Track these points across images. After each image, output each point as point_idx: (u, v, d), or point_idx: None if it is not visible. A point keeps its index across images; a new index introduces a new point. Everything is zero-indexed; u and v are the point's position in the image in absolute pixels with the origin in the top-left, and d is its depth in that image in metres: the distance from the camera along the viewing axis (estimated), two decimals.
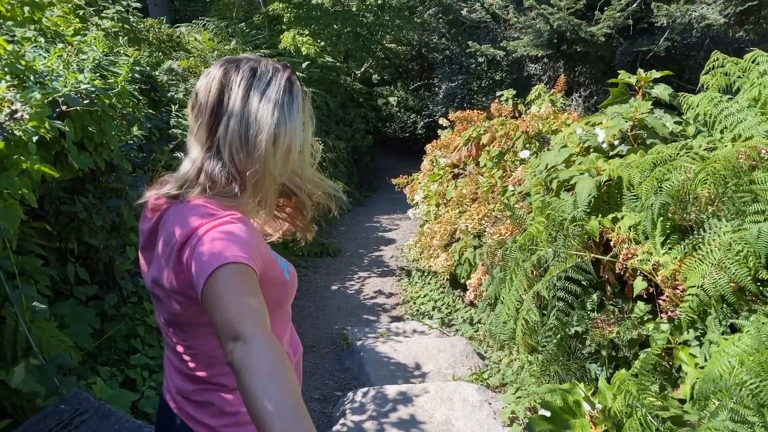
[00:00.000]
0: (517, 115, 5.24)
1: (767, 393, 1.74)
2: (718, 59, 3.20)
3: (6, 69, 2.26)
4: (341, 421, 2.99)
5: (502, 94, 5.60)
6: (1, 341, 1.96)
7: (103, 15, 4.87)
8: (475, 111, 5.53)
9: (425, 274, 5.42)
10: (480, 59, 9.95)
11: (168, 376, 1.21)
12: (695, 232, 2.49)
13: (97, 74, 2.82)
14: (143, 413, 2.50)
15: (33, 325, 2.05)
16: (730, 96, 3.04)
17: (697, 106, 3.10)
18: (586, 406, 2.25)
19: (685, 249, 2.47)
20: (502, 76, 9.94)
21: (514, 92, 5.60)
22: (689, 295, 2.32)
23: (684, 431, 2.05)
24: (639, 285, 2.63)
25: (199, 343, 1.10)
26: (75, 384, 2.12)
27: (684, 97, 3.28)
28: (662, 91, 3.50)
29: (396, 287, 5.56)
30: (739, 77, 3.09)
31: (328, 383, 3.68)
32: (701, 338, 2.41)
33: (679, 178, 2.45)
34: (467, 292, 3.93)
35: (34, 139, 2.06)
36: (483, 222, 4.02)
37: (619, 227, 2.73)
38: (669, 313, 2.54)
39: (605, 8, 7.10)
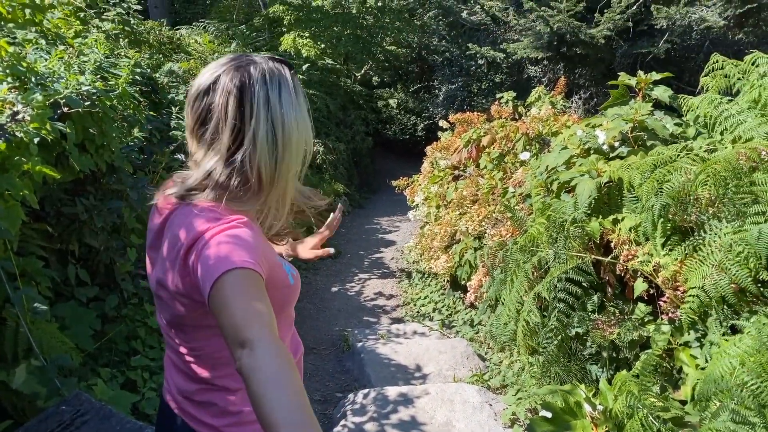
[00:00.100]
0: (517, 117, 5.25)
1: None
2: (717, 61, 3.20)
3: (7, 71, 2.26)
4: (342, 422, 2.99)
5: (502, 96, 5.60)
6: (2, 342, 1.96)
7: (103, 17, 4.88)
8: (475, 113, 5.54)
9: (425, 275, 5.42)
10: (480, 61, 9.96)
11: (169, 377, 1.21)
12: (696, 234, 2.49)
13: (98, 76, 2.83)
14: (144, 415, 2.50)
15: (34, 327, 2.05)
16: (730, 98, 3.05)
17: (697, 107, 3.10)
18: (587, 407, 2.25)
19: (685, 250, 2.47)
20: (502, 78, 9.94)
21: (514, 94, 5.61)
22: (690, 296, 2.32)
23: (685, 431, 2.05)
24: (640, 286, 2.63)
25: (203, 345, 1.10)
26: (76, 385, 2.12)
27: (684, 98, 3.28)
28: (662, 92, 3.50)
29: (396, 289, 5.56)
30: (738, 79, 3.10)
31: (328, 385, 3.68)
32: (702, 339, 2.41)
33: (680, 179, 2.45)
34: (468, 294, 3.93)
35: (36, 140, 2.06)
36: (483, 223, 4.02)
37: (620, 229, 2.73)
38: (670, 315, 2.54)
39: (605, 10, 7.11)
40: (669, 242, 2.56)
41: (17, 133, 2.03)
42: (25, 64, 2.35)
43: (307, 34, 10.35)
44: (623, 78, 3.63)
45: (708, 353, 2.31)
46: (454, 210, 4.63)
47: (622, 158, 3.10)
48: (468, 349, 3.84)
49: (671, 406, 2.18)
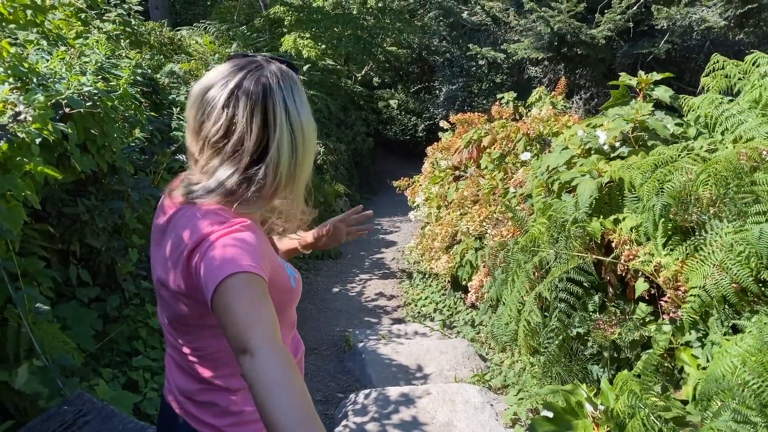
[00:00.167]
0: (517, 117, 5.25)
1: None
2: (718, 61, 3.21)
3: (9, 71, 2.27)
4: (343, 422, 2.99)
5: (503, 97, 5.61)
6: (4, 343, 1.96)
7: (104, 18, 4.88)
8: (475, 113, 5.54)
9: (426, 276, 5.42)
10: (480, 62, 9.96)
11: (170, 376, 1.21)
12: (697, 233, 2.49)
13: (100, 77, 2.84)
14: (145, 415, 2.50)
15: (36, 327, 2.05)
16: (730, 98, 3.05)
17: (698, 107, 3.10)
18: (588, 407, 2.25)
19: (686, 250, 2.47)
20: (502, 78, 9.94)
21: (515, 95, 5.61)
22: (691, 296, 2.32)
23: (687, 431, 2.05)
24: (641, 286, 2.63)
25: (203, 345, 1.10)
26: (78, 385, 2.12)
27: (685, 99, 3.29)
28: (663, 93, 3.50)
29: (397, 289, 5.57)
30: (739, 79, 3.10)
31: (329, 385, 3.68)
32: (703, 339, 2.41)
33: (681, 179, 2.46)
34: (469, 294, 3.93)
35: (38, 141, 2.07)
36: (484, 224, 4.02)
37: (621, 228, 2.73)
38: (671, 314, 2.54)
39: (606, 11, 7.11)
40: (670, 242, 2.56)
41: (19, 134, 2.04)
42: (26, 65, 2.35)
43: (307, 35, 10.36)
44: (624, 78, 3.63)
45: (709, 353, 2.31)
46: (455, 210, 4.63)
47: (623, 158, 3.10)
48: (469, 349, 3.84)
49: (673, 405, 2.18)
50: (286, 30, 10.75)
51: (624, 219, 2.78)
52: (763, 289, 2.27)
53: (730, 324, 2.31)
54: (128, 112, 3.07)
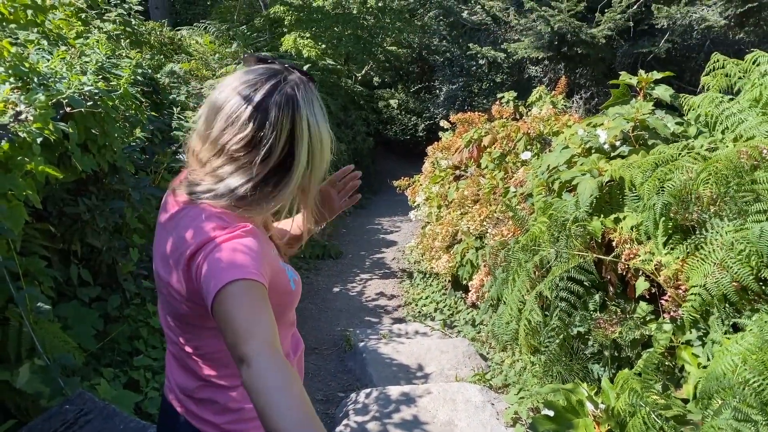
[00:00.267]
0: (518, 117, 5.25)
1: None
2: (718, 60, 3.21)
3: (10, 71, 2.27)
4: (344, 421, 3.00)
5: (503, 96, 5.61)
6: (5, 342, 1.96)
7: (105, 18, 4.89)
8: (476, 113, 5.54)
9: (427, 275, 5.42)
10: (481, 61, 9.96)
11: (170, 373, 1.21)
12: (697, 232, 2.50)
13: (100, 76, 2.84)
14: (146, 414, 2.50)
15: (37, 326, 2.05)
16: (731, 97, 3.05)
17: (699, 106, 3.10)
18: (589, 406, 2.25)
19: (687, 249, 2.47)
20: (502, 78, 9.94)
21: (515, 94, 5.61)
22: (692, 294, 2.32)
23: (687, 429, 2.05)
24: (641, 285, 2.63)
25: (203, 344, 1.11)
26: (79, 385, 2.12)
27: (685, 98, 3.29)
28: (663, 92, 3.50)
29: (398, 289, 5.57)
30: (739, 78, 3.10)
31: (330, 384, 3.68)
32: (704, 338, 2.41)
33: (681, 178, 2.46)
34: (469, 294, 3.93)
35: (39, 140, 2.07)
36: (485, 223, 4.02)
37: (621, 227, 2.74)
38: (671, 313, 2.54)
39: (606, 10, 7.11)
40: (670, 241, 2.56)
41: (20, 133, 2.04)
42: (27, 65, 2.35)
43: (307, 35, 10.36)
44: (624, 77, 3.63)
45: (710, 351, 2.31)
46: (455, 210, 4.63)
47: (623, 157, 3.11)
48: (470, 348, 3.84)
49: (673, 404, 2.19)
50: (286, 30, 10.75)
51: (624, 218, 2.78)
52: (763, 287, 2.27)
53: (731, 322, 2.31)
54: (129, 111, 3.08)
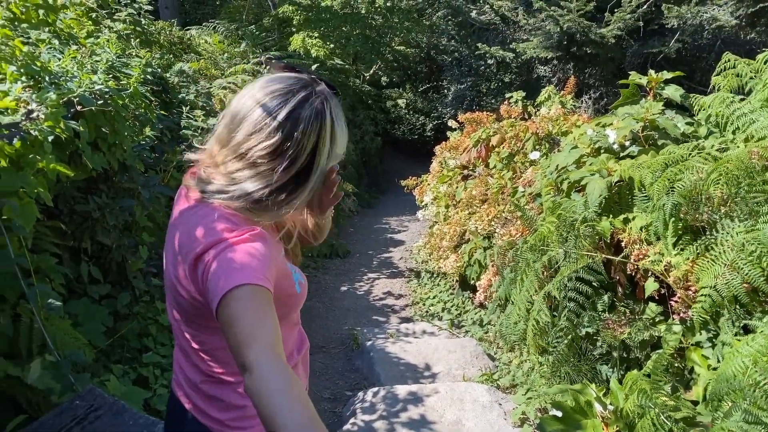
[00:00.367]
0: (526, 116, 5.24)
1: None
2: (729, 60, 3.18)
3: (22, 70, 2.29)
4: (351, 420, 3.00)
5: (512, 96, 5.59)
6: (17, 338, 1.98)
7: (115, 18, 4.92)
8: (484, 113, 5.53)
9: (434, 275, 5.42)
10: (489, 61, 9.95)
11: (178, 369, 1.23)
12: (708, 233, 2.48)
13: (110, 75, 2.85)
14: (155, 411, 2.52)
15: (48, 323, 2.07)
16: (742, 97, 3.03)
17: (709, 107, 3.08)
18: (597, 407, 2.24)
19: (697, 249, 2.46)
20: (511, 78, 9.92)
21: (524, 94, 5.60)
22: (702, 295, 2.31)
23: (697, 431, 2.04)
24: (650, 286, 2.62)
25: (207, 340, 1.12)
26: (89, 381, 2.14)
27: (695, 98, 3.26)
28: (673, 92, 3.48)
29: (405, 288, 5.57)
30: (751, 78, 3.07)
31: (338, 383, 3.69)
32: (714, 339, 2.40)
33: (691, 178, 2.44)
34: (477, 294, 3.92)
35: (50, 138, 2.09)
36: (493, 223, 4.01)
37: (631, 228, 2.72)
38: (681, 314, 2.53)
39: (615, 10, 7.08)
40: (680, 241, 2.55)
41: (32, 132, 2.06)
42: (39, 64, 2.37)
43: (316, 34, 10.38)
44: (634, 77, 3.61)
45: (720, 353, 2.29)
46: (463, 209, 4.62)
47: (632, 157, 3.09)
48: (477, 348, 3.84)
49: (683, 405, 2.17)
50: (294, 29, 10.77)
51: (634, 218, 2.76)
52: None
53: (742, 324, 2.30)
54: (138, 110, 3.09)
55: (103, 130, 2.53)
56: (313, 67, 8.90)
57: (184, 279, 1.05)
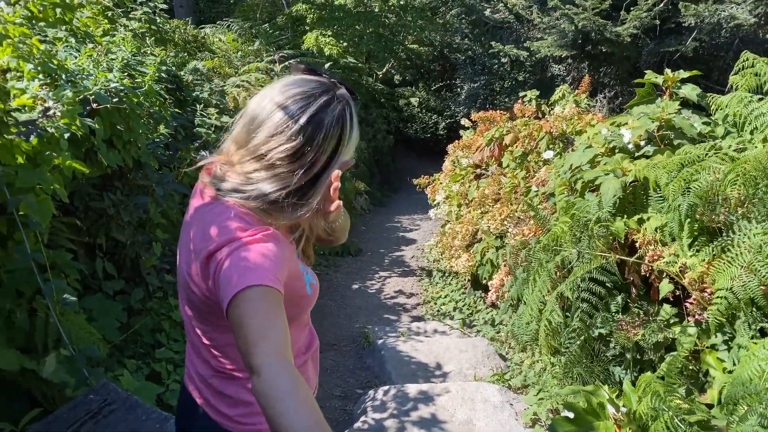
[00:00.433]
0: (540, 115, 5.20)
1: None
2: (748, 59, 3.14)
3: (39, 68, 2.32)
4: (362, 418, 3.00)
5: (525, 95, 5.55)
6: (33, 332, 2.01)
7: (130, 16, 4.96)
8: (497, 111, 5.50)
9: (446, 274, 5.41)
10: (503, 60, 9.90)
11: (189, 363, 1.24)
12: (724, 234, 2.44)
13: (126, 73, 2.88)
14: (168, 406, 2.54)
15: (63, 318, 2.09)
16: (760, 96, 2.98)
17: (727, 106, 3.04)
18: (610, 409, 2.22)
19: (713, 251, 2.42)
20: (525, 76, 9.87)
21: (538, 93, 5.56)
22: (717, 298, 2.28)
23: None
24: (665, 287, 2.59)
25: (217, 336, 1.13)
26: (103, 375, 2.16)
27: (713, 97, 3.22)
28: (690, 91, 3.44)
29: (417, 287, 5.56)
30: None
31: (349, 381, 3.69)
32: (730, 342, 2.36)
33: (708, 178, 2.41)
34: (489, 293, 3.91)
35: (66, 136, 2.11)
36: (505, 222, 4.00)
37: (645, 228, 2.69)
38: (696, 317, 2.50)
39: (631, 8, 7.00)
40: (696, 243, 2.52)
41: (49, 129, 2.08)
42: (55, 62, 2.40)
43: (329, 33, 10.40)
44: (650, 76, 3.57)
45: (736, 356, 2.26)
46: (475, 209, 4.61)
47: (647, 157, 3.06)
48: (489, 348, 3.82)
49: (697, 409, 2.14)
50: (308, 28, 10.80)
51: (648, 219, 2.73)
52: None
53: (758, 327, 2.26)
54: (153, 108, 3.12)
55: (118, 127, 2.56)
56: (327, 65, 8.94)
57: (196, 276, 1.06)
